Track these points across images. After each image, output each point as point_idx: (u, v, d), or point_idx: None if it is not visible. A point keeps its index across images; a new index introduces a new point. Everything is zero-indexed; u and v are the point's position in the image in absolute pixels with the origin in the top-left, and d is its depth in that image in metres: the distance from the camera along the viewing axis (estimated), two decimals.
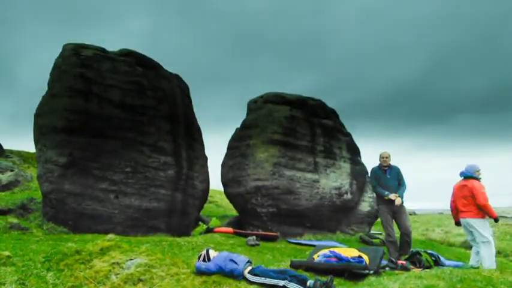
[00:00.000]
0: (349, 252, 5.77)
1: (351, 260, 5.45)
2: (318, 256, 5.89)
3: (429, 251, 7.82)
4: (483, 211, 6.32)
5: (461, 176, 6.73)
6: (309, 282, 4.25)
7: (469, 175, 6.57)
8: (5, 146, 16.81)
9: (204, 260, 4.77)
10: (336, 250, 5.88)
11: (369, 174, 7.61)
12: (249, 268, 4.66)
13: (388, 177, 7.58)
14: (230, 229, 9.93)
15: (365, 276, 5.23)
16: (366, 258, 5.63)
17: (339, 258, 5.53)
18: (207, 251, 4.89)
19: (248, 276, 4.54)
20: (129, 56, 9.75)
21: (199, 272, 4.61)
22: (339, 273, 5.28)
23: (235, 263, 4.62)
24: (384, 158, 7.65)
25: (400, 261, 6.50)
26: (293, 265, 5.60)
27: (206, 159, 11.00)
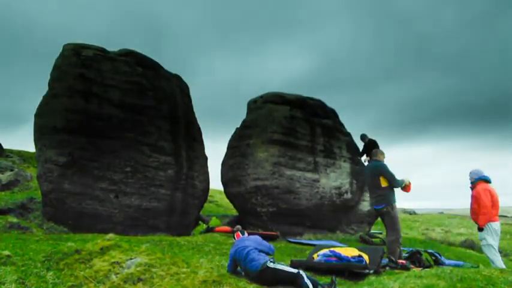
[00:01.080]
0: (349, 252, 5.76)
1: (351, 260, 5.44)
2: (317, 255, 5.88)
3: (429, 250, 7.81)
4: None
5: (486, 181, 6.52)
6: None
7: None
8: (5, 146, 16.82)
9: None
10: (336, 249, 5.88)
11: (386, 168, 7.10)
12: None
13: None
14: (229, 228, 9.94)
15: (365, 275, 5.23)
16: (366, 257, 5.62)
17: (339, 257, 5.52)
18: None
19: (269, 264, 4.62)
20: (129, 56, 9.75)
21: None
22: (339, 273, 5.28)
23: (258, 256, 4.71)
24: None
25: (400, 261, 6.49)
26: (293, 265, 5.59)
27: (206, 158, 10.99)
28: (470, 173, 6.54)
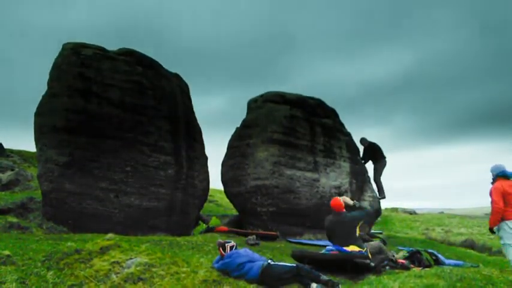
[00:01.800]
0: (351, 248, 5.81)
1: (353, 252, 5.49)
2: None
3: (429, 250, 7.83)
4: None
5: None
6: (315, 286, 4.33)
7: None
8: (6, 146, 16.83)
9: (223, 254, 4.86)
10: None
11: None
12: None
13: None
14: (226, 228, 9.99)
15: (367, 268, 5.26)
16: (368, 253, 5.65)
17: (341, 252, 5.57)
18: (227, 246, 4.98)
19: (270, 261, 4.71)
20: (129, 55, 9.74)
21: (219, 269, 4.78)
22: (342, 266, 5.31)
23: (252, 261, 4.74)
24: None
25: (400, 260, 6.51)
26: (294, 255, 5.61)
27: (206, 158, 10.99)
28: (491, 169, 6.07)
